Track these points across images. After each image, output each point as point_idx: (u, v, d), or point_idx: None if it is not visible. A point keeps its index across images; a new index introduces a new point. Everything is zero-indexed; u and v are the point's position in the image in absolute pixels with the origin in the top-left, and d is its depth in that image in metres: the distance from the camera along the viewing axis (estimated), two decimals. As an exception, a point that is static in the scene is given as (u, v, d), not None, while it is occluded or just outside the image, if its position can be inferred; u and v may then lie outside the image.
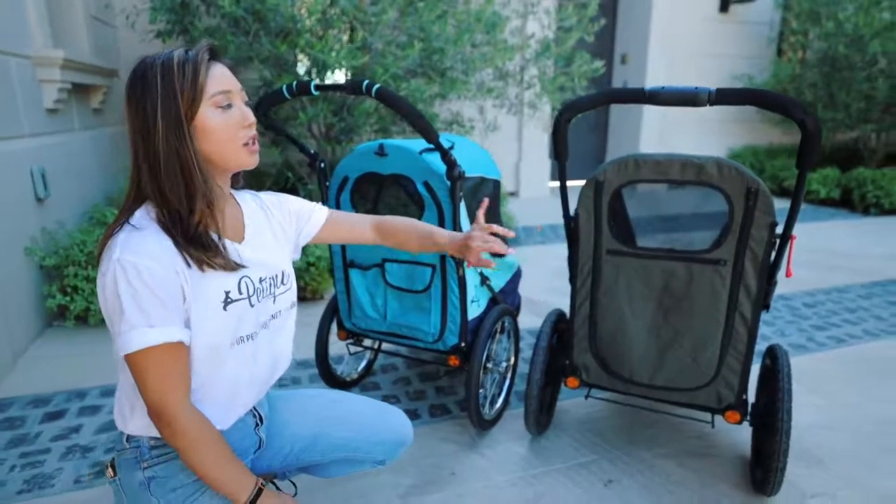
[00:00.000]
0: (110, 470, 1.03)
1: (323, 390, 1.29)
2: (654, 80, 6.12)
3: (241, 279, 1.01)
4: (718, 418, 1.96)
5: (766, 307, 1.63)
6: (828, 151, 6.45)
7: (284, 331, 1.14)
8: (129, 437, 1.01)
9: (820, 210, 5.55)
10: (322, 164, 1.78)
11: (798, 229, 4.77)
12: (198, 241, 0.95)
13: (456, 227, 1.66)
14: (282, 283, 1.11)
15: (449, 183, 1.61)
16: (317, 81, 1.35)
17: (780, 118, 6.30)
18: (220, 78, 0.95)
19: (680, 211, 1.58)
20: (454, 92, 3.26)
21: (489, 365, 1.93)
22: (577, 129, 6.40)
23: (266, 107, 1.51)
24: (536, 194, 5.83)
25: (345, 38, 2.87)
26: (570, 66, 3.72)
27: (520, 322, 2.66)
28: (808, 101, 5.88)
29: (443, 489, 1.62)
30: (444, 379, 2.26)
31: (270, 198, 1.18)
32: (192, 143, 0.93)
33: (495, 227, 1.18)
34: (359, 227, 1.31)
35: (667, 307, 1.51)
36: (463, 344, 1.79)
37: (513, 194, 5.82)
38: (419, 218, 1.70)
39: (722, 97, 1.19)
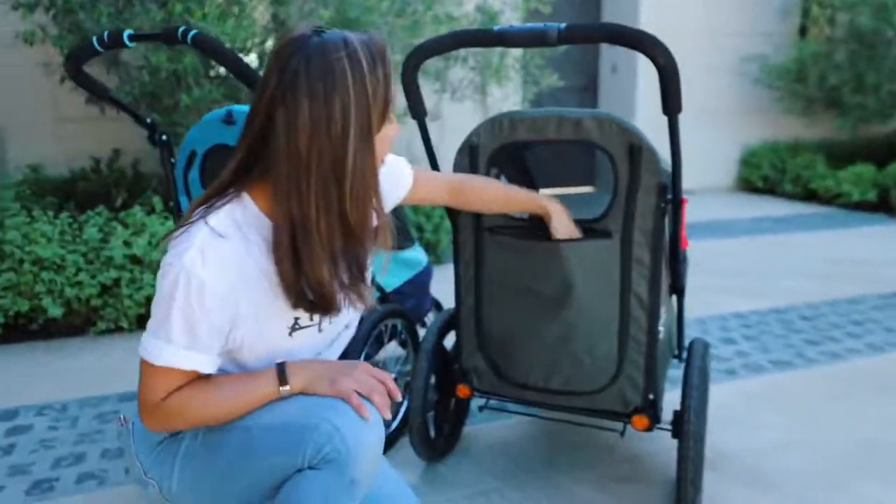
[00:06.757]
0: (122, 419, 1.18)
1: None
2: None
3: None
4: (673, 439, 2.05)
5: (678, 291, 1.74)
6: (860, 146, 6.69)
7: (345, 343, 1.27)
8: None
9: (853, 215, 5.73)
10: (164, 137, 1.89)
11: (820, 237, 4.94)
12: (358, 276, 1.05)
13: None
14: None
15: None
16: (131, 31, 1.47)
17: (803, 107, 6.54)
18: (395, 85, 1.02)
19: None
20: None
21: (375, 378, 2.01)
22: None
23: (78, 62, 1.62)
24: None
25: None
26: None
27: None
28: (833, 86, 6.14)
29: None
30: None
31: None
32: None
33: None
34: (436, 190, 1.47)
35: (556, 294, 1.61)
36: (335, 350, 1.87)
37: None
38: None
39: (572, 34, 1.32)
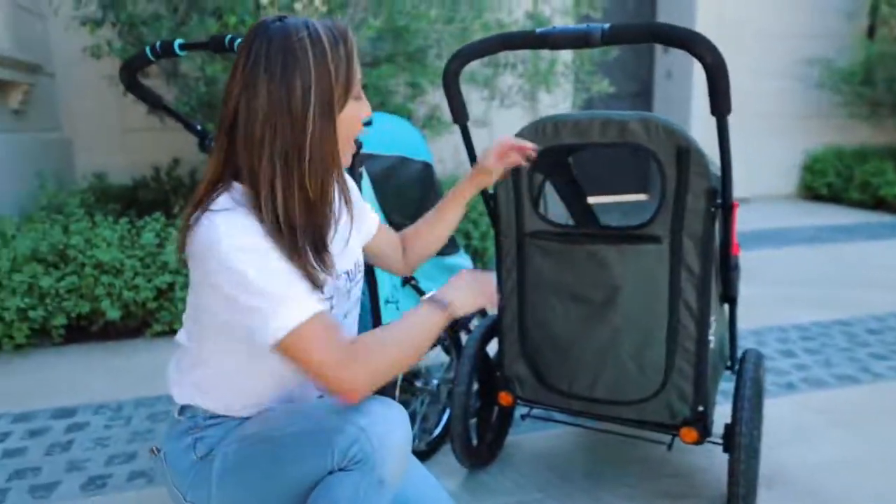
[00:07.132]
0: (154, 449, 1.22)
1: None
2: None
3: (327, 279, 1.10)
4: (710, 451, 1.97)
5: (729, 300, 1.68)
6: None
7: (351, 330, 1.27)
8: (182, 409, 1.17)
9: (924, 224, 5.45)
10: (213, 145, 1.93)
11: (889, 246, 4.70)
12: (321, 247, 1.07)
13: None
14: (357, 273, 1.23)
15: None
16: (181, 40, 1.51)
17: (869, 111, 6.27)
18: (359, 65, 1.05)
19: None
20: (425, 78, 3.43)
21: (418, 384, 2.00)
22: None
23: (133, 71, 1.68)
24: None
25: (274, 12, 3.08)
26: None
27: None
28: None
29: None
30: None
31: None
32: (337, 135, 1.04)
33: (516, 142, 1.42)
34: (393, 240, 1.44)
35: (600, 299, 1.57)
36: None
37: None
38: None
39: (617, 34, 1.29)
